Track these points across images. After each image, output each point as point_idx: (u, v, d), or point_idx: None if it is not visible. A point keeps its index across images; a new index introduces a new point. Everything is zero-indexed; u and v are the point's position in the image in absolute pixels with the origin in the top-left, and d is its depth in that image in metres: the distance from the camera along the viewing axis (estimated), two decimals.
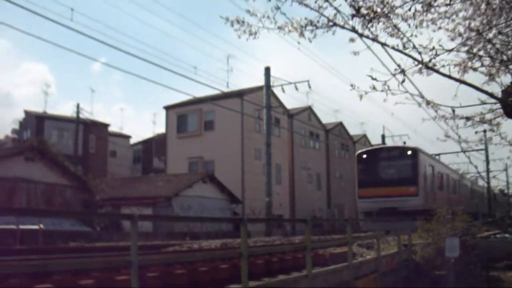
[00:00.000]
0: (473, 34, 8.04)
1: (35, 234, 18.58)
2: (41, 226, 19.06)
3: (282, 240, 21.03)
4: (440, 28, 7.84)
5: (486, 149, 45.32)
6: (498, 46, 8.63)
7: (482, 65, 9.06)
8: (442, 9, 7.26)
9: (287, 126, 47.74)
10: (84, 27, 22.49)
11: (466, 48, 8.30)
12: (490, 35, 8.38)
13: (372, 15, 6.64)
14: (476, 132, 13.88)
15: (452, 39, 7.98)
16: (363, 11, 6.65)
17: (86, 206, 29.26)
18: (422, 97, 9.41)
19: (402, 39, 7.37)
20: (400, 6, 6.73)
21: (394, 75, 7.67)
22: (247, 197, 41.03)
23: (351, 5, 6.58)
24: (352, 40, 7.13)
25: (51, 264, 7.16)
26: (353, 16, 6.70)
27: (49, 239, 19.38)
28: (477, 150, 35.48)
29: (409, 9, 6.74)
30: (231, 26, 7.06)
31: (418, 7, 7.00)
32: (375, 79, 7.33)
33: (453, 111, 9.50)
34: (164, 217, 30.69)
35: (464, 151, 26.87)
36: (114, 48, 25.37)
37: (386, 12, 6.68)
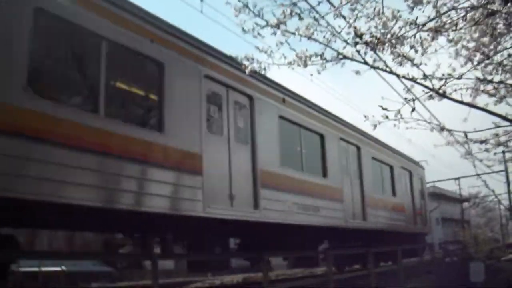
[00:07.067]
0: (482, 57, 8.06)
1: (56, 276, 18.56)
2: (63, 268, 19.07)
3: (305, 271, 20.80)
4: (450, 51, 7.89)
5: (506, 170, 44.60)
6: (507, 68, 8.64)
7: (494, 88, 9.06)
8: (450, 35, 7.31)
9: None
10: None
11: (476, 73, 8.32)
12: (499, 57, 8.39)
13: (375, 41, 6.69)
14: (495, 154, 13.84)
15: (461, 65, 8.02)
16: (367, 38, 6.71)
17: (106, 246, 29.03)
18: (436, 123, 9.40)
19: (412, 66, 7.42)
20: (402, 34, 6.77)
21: (407, 102, 7.68)
22: None
23: (354, 32, 6.64)
24: (357, 72, 7.19)
25: None
26: (356, 43, 6.76)
27: (71, 280, 19.37)
28: (497, 172, 35.06)
29: (414, 36, 6.79)
30: (241, 63, 7.19)
31: (424, 35, 7.05)
32: (385, 109, 7.36)
33: (466, 136, 9.49)
34: (184, 255, 30.40)
35: (479, 175, 26.66)
36: None
37: (389, 38, 6.72)
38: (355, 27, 6.57)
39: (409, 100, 7.54)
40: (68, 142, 6.81)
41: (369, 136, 17.88)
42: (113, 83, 8.11)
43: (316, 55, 6.73)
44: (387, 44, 6.73)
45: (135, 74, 8.79)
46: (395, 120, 7.63)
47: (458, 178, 44.18)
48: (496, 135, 10.10)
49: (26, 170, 6.29)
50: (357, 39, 6.70)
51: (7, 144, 6.09)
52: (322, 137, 14.01)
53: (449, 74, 7.67)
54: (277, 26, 6.48)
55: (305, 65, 6.76)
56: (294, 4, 6.59)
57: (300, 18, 6.49)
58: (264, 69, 6.90)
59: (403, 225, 20.20)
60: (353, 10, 6.48)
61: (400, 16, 6.70)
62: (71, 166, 6.79)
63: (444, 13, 6.70)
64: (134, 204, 7.81)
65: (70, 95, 7.53)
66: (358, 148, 16.64)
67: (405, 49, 7.04)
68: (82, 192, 6.92)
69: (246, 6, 6.49)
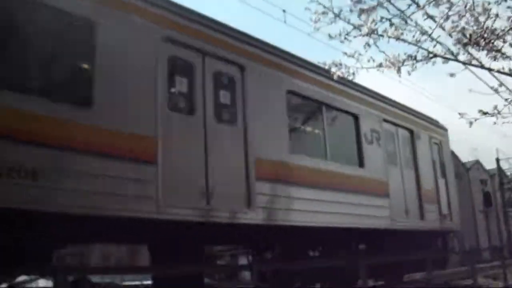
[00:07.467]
0: None
1: None
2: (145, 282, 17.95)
3: None
4: None
5: None
6: None
7: None
8: None
9: None
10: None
11: None
12: None
13: (483, 42, 6.47)
14: None
15: None
16: (474, 37, 6.49)
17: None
18: None
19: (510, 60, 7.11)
20: (496, 28, 6.52)
21: (509, 103, 7.37)
22: None
23: (463, 34, 6.44)
24: (452, 75, 6.96)
25: None
26: (465, 44, 6.53)
27: None
28: None
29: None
30: (329, 69, 7.19)
31: None
32: (485, 112, 7.06)
33: None
34: (281, 262, 30.31)
35: None
36: None
37: (499, 34, 6.48)
38: (463, 28, 6.38)
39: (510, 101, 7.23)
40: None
41: (293, 57, 10.91)
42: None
43: (410, 58, 6.61)
44: (492, 42, 6.51)
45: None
46: (492, 116, 7.33)
47: None
48: None
49: None
50: (466, 40, 6.49)
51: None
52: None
53: None
54: (369, 34, 6.42)
55: (399, 71, 6.68)
56: (376, 6, 6.52)
57: (391, 24, 6.41)
58: (353, 74, 6.88)
59: (384, 217, 12.35)
60: (448, 8, 6.27)
61: (490, 9, 6.49)
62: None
63: None
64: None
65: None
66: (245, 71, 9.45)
67: (500, 43, 6.79)
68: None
69: (330, 10, 6.48)
